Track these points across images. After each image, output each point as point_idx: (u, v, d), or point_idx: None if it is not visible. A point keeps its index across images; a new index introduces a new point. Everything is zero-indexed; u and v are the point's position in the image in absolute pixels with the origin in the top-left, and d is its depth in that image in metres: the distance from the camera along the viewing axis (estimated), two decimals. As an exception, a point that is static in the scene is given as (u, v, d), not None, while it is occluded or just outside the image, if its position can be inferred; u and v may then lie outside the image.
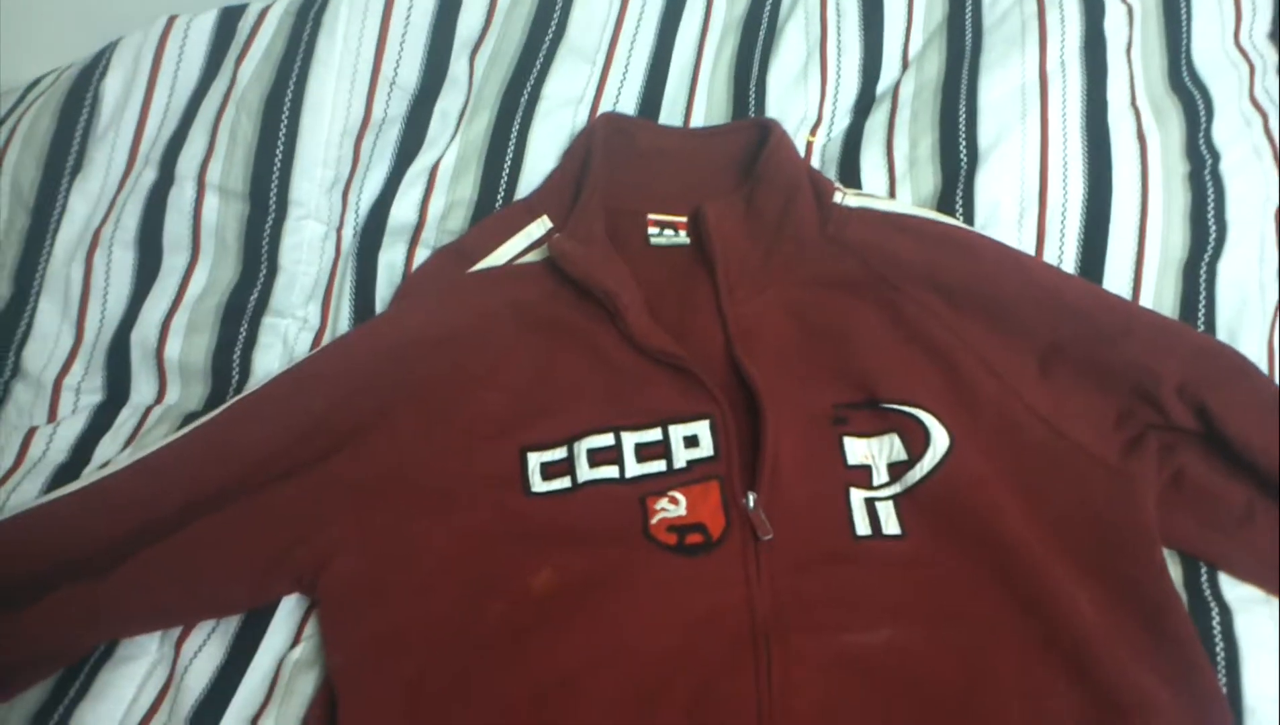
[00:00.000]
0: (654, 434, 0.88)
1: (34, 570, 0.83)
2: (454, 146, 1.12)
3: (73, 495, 0.88)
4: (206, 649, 0.88)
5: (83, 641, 0.86)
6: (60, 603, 0.81)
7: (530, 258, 0.98)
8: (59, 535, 0.85)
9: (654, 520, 0.84)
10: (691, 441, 0.87)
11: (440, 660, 0.81)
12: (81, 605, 0.82)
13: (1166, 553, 0.83)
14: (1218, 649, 0.80)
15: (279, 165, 1.11)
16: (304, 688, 0.84)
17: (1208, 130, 1.03)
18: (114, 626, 0.87)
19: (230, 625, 0.89)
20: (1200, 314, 0.96)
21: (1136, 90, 1.06)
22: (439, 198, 1.10)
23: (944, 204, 1.03)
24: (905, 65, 1.14)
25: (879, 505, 0.85)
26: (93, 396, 1.07)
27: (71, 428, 1.04)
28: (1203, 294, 0.96)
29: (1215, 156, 1.02)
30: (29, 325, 1.09)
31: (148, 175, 1.13)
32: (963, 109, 1.07)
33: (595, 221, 0.97)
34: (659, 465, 0.87)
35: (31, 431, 1.04)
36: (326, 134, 1.13)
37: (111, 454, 1.01)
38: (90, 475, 0.90)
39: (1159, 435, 0.85)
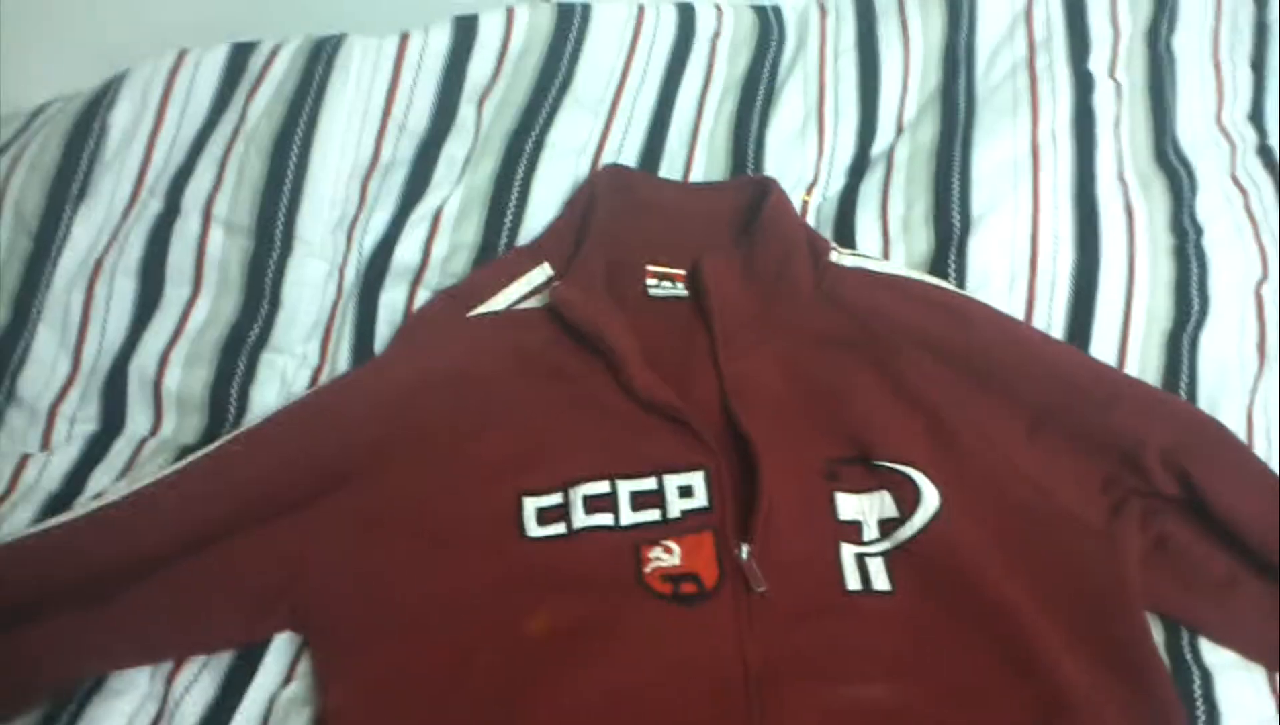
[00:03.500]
0: (649, 483, 0.88)
1: (23, 599, 0.82)
2: (459, 191, 1.13)
3: (65, 525, 0.87)
4: (198, 685, 0.86)
5: (70, 673, 0.85)
6: (49, 633, 0.81)
7: (530, 304, 0.99)
8: (50, 565, 0.85)
9: (648, 569, 0.84)
10: (686, 492, 0.88)
11: (434, 704, 0.81)
12: (70, 636, 0.82)
13: (1150, 616, 0.83)
14: (1199, 712, 0.80)
15: (286, 202, 1.12)
16: (296, 727, 0.83)
17: (1192, 205, 1.05)
18: (103, 659, 0.86)
19: (222, 661, 0.88)
20: (1183, 383, 0.97)
21: (1124, 164, 1.08)
22: (442, 241, 1.11)
23: (937, 267, 1.04)
24: (900, 130, 1.15)
25: (869, 561, 0.85)
26: (87, 426, 1.07)
27: (65, 456, 1.04)
28: (1185, 364, 0.98)
29: (1199, 230, 1.04)
30: (26, 351, 1.09)
31: (153, 206, 1.14)
32: (956, 175, 1.08)
33: (596, 271, 0.98)
34: (654, 514, 0.87)
35: (24, 459, 1.03)
36: (335, 173, 1.14)
37: (105, 484, 1.01)
38: (84, 505, 0.90)
39: (1143, 501, 0.86)
